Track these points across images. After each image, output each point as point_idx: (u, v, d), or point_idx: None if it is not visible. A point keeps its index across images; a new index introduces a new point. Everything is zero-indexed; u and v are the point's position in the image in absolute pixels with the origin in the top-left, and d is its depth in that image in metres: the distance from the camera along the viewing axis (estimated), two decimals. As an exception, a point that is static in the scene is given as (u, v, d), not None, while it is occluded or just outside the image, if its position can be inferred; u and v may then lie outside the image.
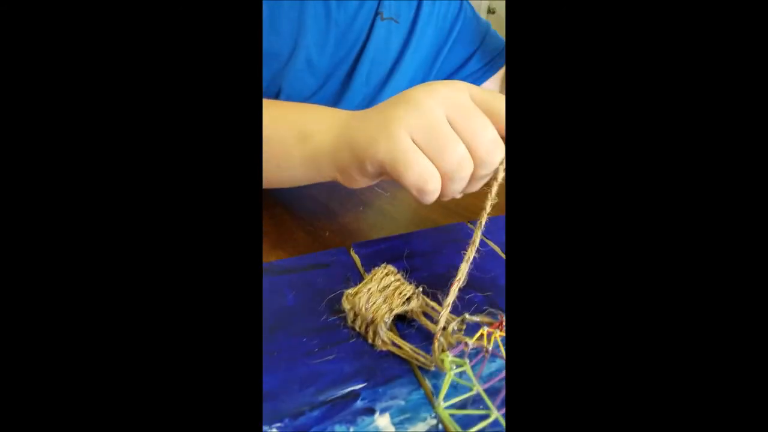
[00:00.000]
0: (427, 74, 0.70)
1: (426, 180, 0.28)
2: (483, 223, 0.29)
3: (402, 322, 0.31)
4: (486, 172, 0.30)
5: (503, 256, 0.38)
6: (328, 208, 0.44)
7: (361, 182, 0.34)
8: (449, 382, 0.24)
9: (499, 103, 0.30)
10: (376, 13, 0.61)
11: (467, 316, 0.29)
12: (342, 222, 0.44)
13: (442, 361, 0.25)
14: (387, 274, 0.31)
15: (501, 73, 0.74)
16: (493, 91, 0.31)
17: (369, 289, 0.30)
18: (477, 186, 0.32)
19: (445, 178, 0.29)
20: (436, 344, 0.26)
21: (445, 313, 0.27)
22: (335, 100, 0.62)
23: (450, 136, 0.28)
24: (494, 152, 0.29)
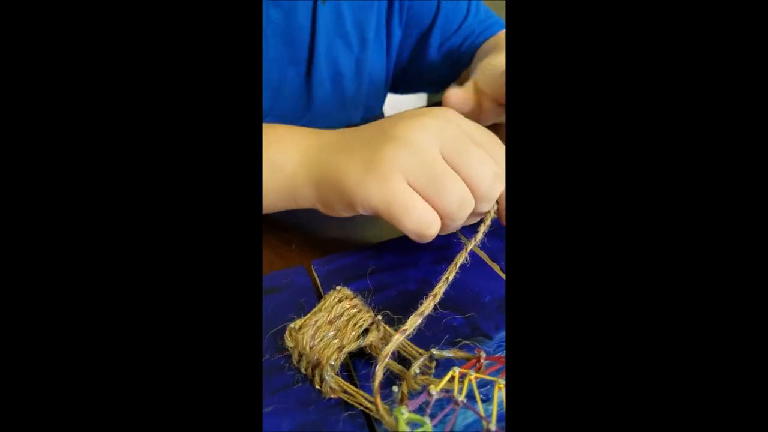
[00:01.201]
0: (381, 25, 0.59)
1: (426, 226, 0.27)
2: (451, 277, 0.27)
3: (362, 358, 0.26)
4: (487, 208, 0.29)
5: (492, 265, 0.32)
6: (294, 216, 0.38)
7: (344, 215, 0.31)
8: (403, 450, 0.19)
9: (491, 136, 0.29)
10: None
11: (435, 351, 0.23)
12: (312, 232, 0.38)
13: (396, 420, 0.20)
14: (340, 300, 0.26)
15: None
16: (478, 125, 0.29)
17: (316, 322, 0.25)
18: (475, 219, 0.30)
19: (446, 219, 0.27)
20: (379, 404, 0.20)
21: (380, 369, 0.22)
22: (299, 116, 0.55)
23: (448, 176, 0.27)
24: (495, 187, 0.28)
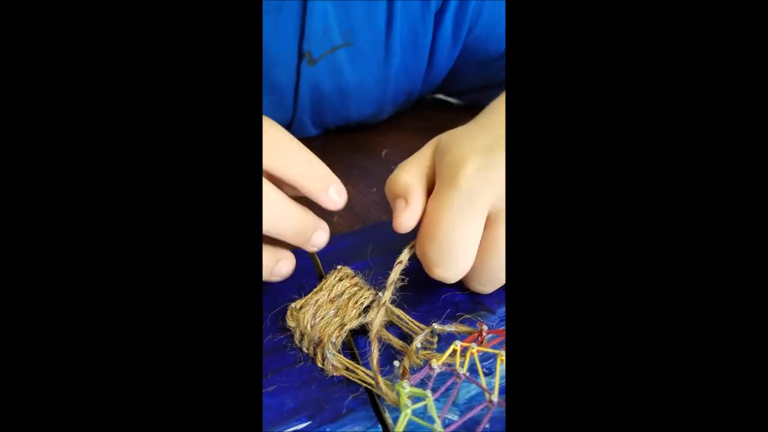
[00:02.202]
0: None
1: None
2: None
3: (363, 336, 0.26)
4: (308, 182, 0.26)
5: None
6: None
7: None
8: (405, 423, 0.19)
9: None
10: (300, 57, 0.39)
11: (437, 326, 0.23)
12: (353, 205, 0.38)
13: (398, 394, 0.20)
14: (341, 279, 0.26)
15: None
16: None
17: (317, 301, 0.25)
18: (327, 197, 0.26)
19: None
20: (381, 382, 0.20)
21: (375, 347, 0.21)
22: None
23: None
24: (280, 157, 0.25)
